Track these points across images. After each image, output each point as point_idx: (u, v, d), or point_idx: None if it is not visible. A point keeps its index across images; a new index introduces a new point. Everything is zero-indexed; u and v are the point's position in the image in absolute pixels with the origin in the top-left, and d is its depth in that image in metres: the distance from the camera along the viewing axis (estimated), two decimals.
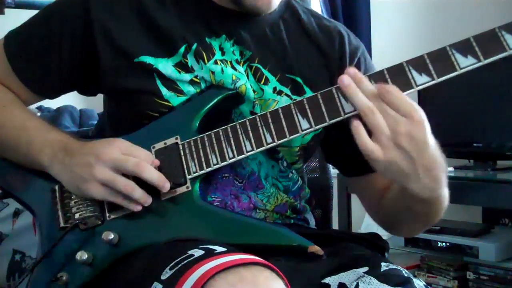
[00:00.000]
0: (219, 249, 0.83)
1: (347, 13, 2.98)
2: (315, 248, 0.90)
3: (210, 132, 0.97)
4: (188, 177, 0.96)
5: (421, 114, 0.87)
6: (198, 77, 1.04)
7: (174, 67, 1.03)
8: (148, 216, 0.96)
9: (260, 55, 1.07)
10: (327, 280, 0.94)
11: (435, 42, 0.91)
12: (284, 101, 1.05)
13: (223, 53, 1.05)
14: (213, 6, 1.07)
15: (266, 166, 1.07)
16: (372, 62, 1.17)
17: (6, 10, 2.74)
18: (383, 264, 0.96)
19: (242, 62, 1.06)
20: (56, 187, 1.03)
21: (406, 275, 0.94)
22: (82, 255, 0.95)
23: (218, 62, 1.04)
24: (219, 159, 0.96)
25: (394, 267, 0.96)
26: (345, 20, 2.93)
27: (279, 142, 0.94)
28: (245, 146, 0.95)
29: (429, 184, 0.90)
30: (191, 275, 0.76)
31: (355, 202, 1.96)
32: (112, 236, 0.95)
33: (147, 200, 0.94)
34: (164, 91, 1.02)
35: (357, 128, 0.89)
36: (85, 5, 1.04)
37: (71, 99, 1.75)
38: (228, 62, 1.05)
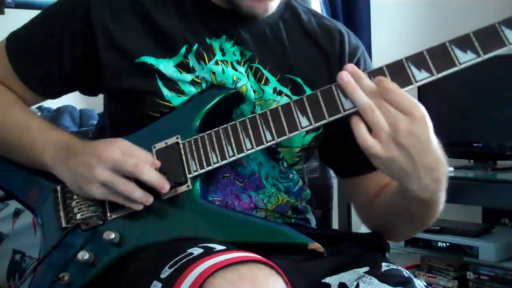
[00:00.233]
0: (218, 247, 0.83)
1: (347, 13, 2.98)
2: (316, 245, 0.89)
3: (210, 131, 0.97)
4: (189, 176, 0.96)
5: (422, 111, 0.86)
6: (199, 78, 1.04)
7: (175, 67, 1.03)
8: (149, 216, 0.96)
9: (260, 55, 1.07)
10: (327, 279, 0.94)
11: (435, 42, 0.90)
12: (284, 101, 1.05)
13: (223, 54, 1.06)
14: (213, 7, 1.07)
15: (267, 166, 1.07)
16: (372, 62, 1.18)
17: (6, 10, 2.73)
18: (383, 264, 0.96)
19: (242, 63, 1.07)
20: (58, 188, 1.03)
21: (406, 275, 0.94)
22: (83, 255, 0.95)
23: (219, 62, 1.05)
24: (219, 157, 0.96)
25: (394, 267, 0.96)
26: (345, 20, 2.93)
27: (279, 139, 0.94)
28: (245, 144, 0.95)
29: (430, 185, 0.89)
30: (190, 273, 0.77)
31: None
32: (113, 235, 0.95)
33: (148, 199, 0.95)
34: (165, 91, 1.02)
35: (356, 123, 0.88)
36: (86, 6, 1.04)
37: (71, 99, 1.74)
38: (229, 63, 1.05)
